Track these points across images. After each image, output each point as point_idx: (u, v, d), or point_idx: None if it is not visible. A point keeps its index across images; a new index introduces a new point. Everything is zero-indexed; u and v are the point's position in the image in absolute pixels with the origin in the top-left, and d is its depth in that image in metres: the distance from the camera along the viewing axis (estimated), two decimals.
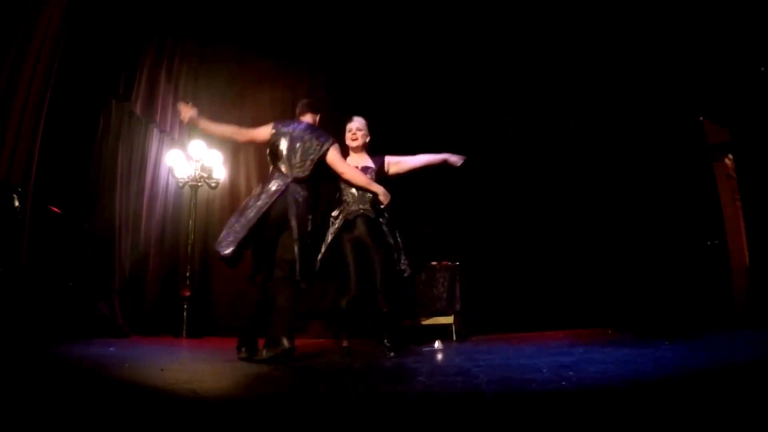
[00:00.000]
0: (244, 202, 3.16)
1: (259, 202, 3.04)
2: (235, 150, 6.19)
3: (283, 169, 3.11)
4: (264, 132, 3.24)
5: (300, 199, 3.04)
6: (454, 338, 4.69)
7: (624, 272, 5.31)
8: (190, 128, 6.02)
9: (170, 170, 5.52)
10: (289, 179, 3.07)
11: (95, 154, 4.54)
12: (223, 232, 3.02)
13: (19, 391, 1.74)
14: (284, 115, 6.30)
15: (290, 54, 6.32)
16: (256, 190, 3.14)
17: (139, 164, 5.17)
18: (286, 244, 2.99)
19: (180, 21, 5.74)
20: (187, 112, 3.16)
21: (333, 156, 3.23)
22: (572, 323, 5.20)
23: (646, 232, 5.32)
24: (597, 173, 5.67)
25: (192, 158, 5.51)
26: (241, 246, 2.96)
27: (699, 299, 4.67)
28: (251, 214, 3.01)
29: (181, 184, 5.55)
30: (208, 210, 5.98)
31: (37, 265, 3.35)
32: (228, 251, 2.94)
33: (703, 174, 5.16)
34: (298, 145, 3.14)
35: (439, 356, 3.34)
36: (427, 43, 6.01)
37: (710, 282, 4.80)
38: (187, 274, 5.30)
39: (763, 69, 4.43)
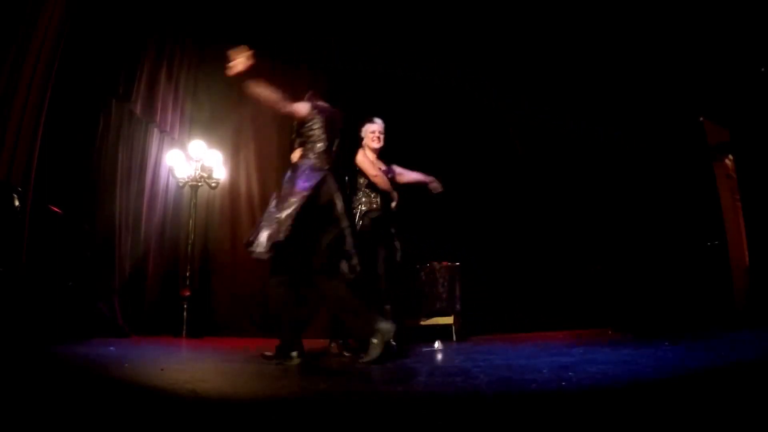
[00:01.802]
0: (277, 194, 2.93)
1: (305, 187, 2.81)
2: (235, 150, 6.19)
3: (322, 155, 2.95)
4: (303, 109, 3.05)
5: (340, 188, 2.95)
6: (454, 338, 4.69)
7: (624, 272, 5.30)
8: (190, 128, 6.04)
9: (170, 170, 5.52)
10: (327, 168, 2.93)
11: (95, 154, 4.53)
12: (259, 227, 2.80)
13: (19, 391, 1.74)
14: (284, 115, 6.31)
15: (290, 54, 6.32)
16: (289, 176, 2.92)
17: (139, 164, 5.17)
18: (336, 234, 2.85)
19: (180, 21, 5.74)
20: (243, 60, 2.76)
21: (362, 158, 3.39)
22: (572, 323, 5.20)
23: (646, 232, 5.31)
24: (597, 173, 5.66)
25: (192, 158, 5.51)
26: (279, 239, 2.73)
27: (699, 299, 4.67)
28: (298, 201, 2.77)
29: (181, 184, 5.56)
30: (208, 210, 5.99)
31: (37, 265, 3.34)
32: (280, 236, 2.71)
33: (703, 174, 5.15)
34: (334, 135, 3.05)
35: (439, 356, 3.34)
36: (427, 42, 6.01)
37: (710, 282, 4.80)
38: (187, 274, 5.30)
39: (763, 69, 4.42)
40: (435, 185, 4.02)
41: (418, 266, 4.99)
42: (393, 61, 5.99)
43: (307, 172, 2.89)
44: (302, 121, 3.04)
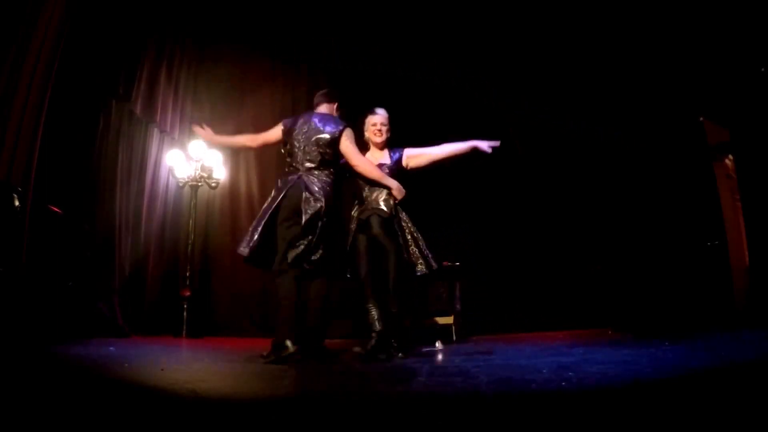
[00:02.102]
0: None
1: (272, 196, 3.11)
2: (235, 150, 6.18)
3: (295, 163, 3.13)
4: (275, 132, 3.29)
5: (314, 188, 3.01)
6: (454, 338, 4.69)
7: (624, 272, 5.30)
8: (191, 128, 6.04)
9: (170, 170, 5.52)
10: (301, 171, 3.08)
11: (95, 154, 4.53)
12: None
13: (19, 391, 1.74)
14: (284, 114, 6.32)
15: (290, 54, 6.32)
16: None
17: (139, 164, 5.17)
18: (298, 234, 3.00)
19: (180, 21, 5.74)
20: (204, 135, 3.46)
21: (345, 145, 3.16)
22: (572, 323, 5.20)
23: (646, 232, 5.31)
24: (597, 173, 5.66)
25: (192, 158, 5.51)
26: (258, 244, 3.01)
27: (699, 299, 4.67)
28: (264, 208, 3.09)
29: (181, 184, 5.55)
30: (208, 210, 5.98)
31: (37, 265, 3.34)
32: (243, 249, 3.04)
33: (703, 174, 5.15)
34: (307, 135, 3.13)
35: (439, 356, 3.34)
36: (428, 42, 6.01)
37: (710, 282, 4.80)
38: (187, 274, 5.30)
39: (763, 69, 4.42)
40: (483, 146, 3.48)
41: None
42: (393, 61, 5.99)
43: (279, 181, 3.19)
44: (282, 141, 3.27)
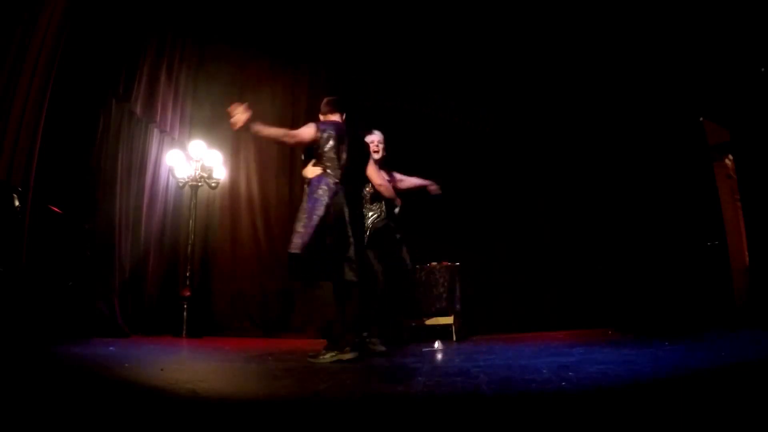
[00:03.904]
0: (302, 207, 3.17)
1: (316, 204, 3.07)
2: (235, 150, 6.19)
3: (332, 171, 3.17)
4: (308, 132, 3.22)
5: (352, 201, 3.21)
6: (454, 338, 4.69)
7: (624, 272, 5.30)
8: (190, 128, 6.05)
9: (170, 170, 5.52)
10: (338, 180, 3.15)
11: (95, 154, 4.53)
12: (293, 236, 3.06)
13: (19, 391, 1.74)
14: (284, 114, 6.33)
15: (290, 54, 6.32)
16: (309, 193, 3.17)
17: (139, 164, 5.17)
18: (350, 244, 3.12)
19: (180, 21, 5.74)
20: (242, 115, 3.02)
21: (372, 168, 3.54)
22: (572, 323, 5.20)
23: (647, 232, 5.31)
24: (597, 173, 5.66)
25: (192, 158, 5.51)
26: (310, 249, 3.00)
27: (699, 299, 4.67)
28: (314, 217, 3.03)
29: (181, 184, 5.55)
30: (208, 210, 5.98)
31: (37, 265, 3.34)
32: (297, 251, 3.00)
33: (703, 174, 5.15)
34: (345, 149, 3.22)
35: (439, 356, 3.34)
36: (429, 42, 6.01)
37: (710, 282, 4.80)
38: (187, 274, 5.29)
39: (763, 69, 4.42)
40: (434, 188, 4.24)
41: (417, 266, 4.99)
42: (393, 61, 6.00)
43: (322, 187, 3.13)
44: (312, 141, 3.23)
